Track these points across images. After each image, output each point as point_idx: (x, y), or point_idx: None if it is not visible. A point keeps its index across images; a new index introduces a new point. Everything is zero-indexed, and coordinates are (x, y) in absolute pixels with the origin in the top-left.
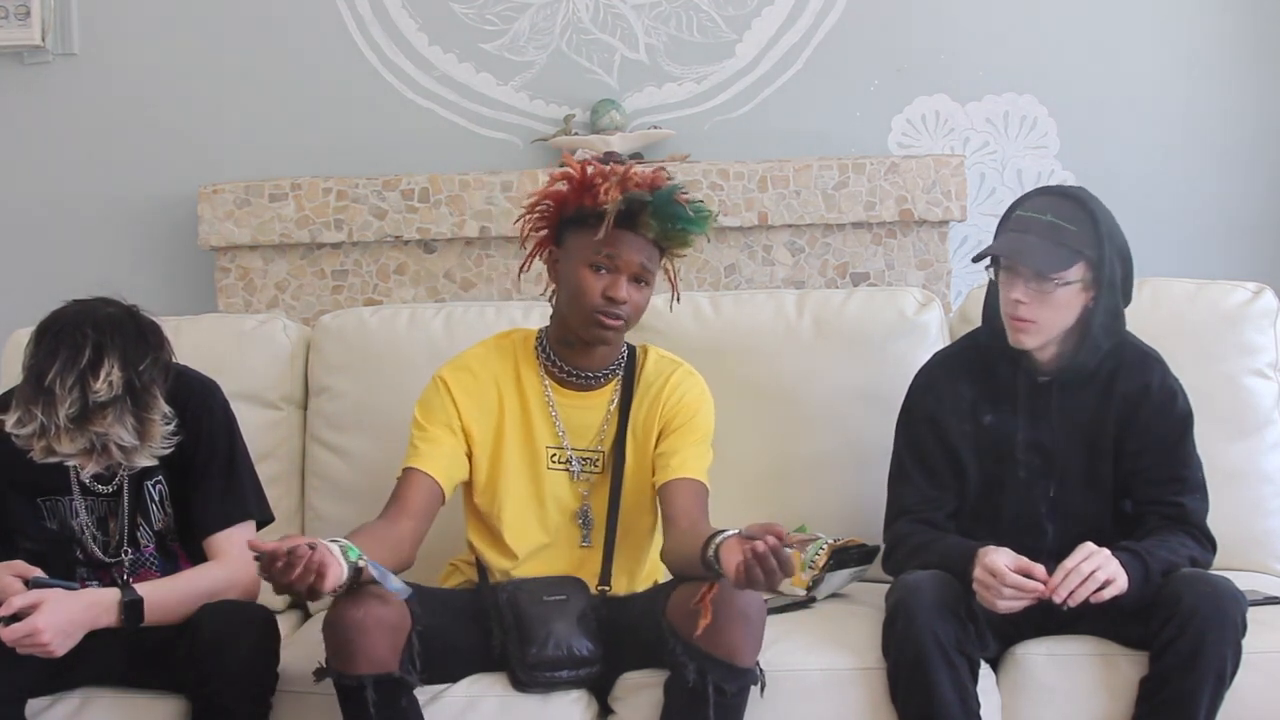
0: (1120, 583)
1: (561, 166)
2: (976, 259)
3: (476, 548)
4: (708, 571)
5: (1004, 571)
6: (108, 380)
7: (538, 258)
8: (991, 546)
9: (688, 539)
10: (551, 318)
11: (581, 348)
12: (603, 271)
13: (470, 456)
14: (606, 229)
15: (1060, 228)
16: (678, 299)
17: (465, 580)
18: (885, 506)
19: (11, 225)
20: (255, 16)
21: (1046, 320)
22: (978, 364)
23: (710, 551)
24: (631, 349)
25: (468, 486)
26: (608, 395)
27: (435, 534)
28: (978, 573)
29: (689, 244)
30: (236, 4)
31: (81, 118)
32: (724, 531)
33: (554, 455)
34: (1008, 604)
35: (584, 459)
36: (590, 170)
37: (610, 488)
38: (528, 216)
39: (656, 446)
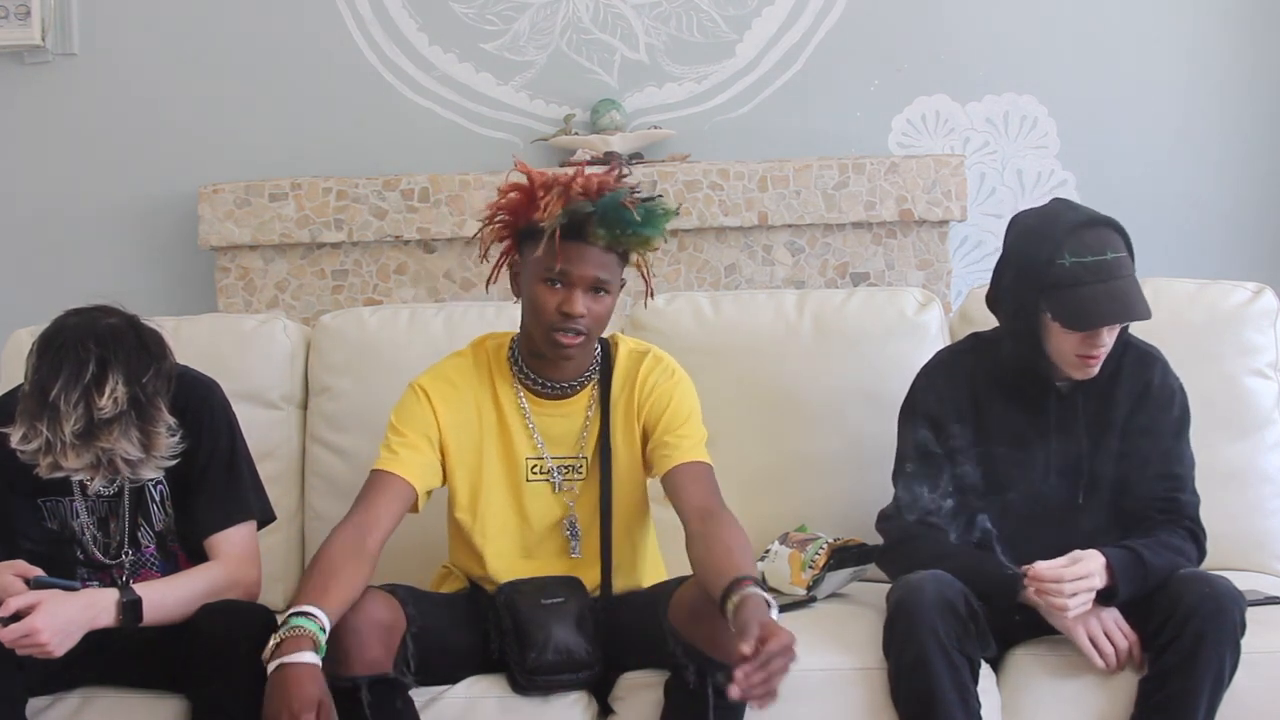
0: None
1: (564, 164)
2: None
3: (461, 565)
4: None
5: (1060, 572)
6: (112, 397)
7: (503, 268)
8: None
9: (702, 552)
10: (520, 328)
11: (551, 360)
12: (557, 286)
13: (446, 470)
14: (547, 246)
15: (1123, 260)
16: (651, 295)
17: (460, 586)
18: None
19: (12, 225)
20: (255, 16)
21: (1111, 344)
22: (991, 369)
23: (729, 610)
24: (605, 345)
25: (449, 502)
26: (585, 401)
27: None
28: (1033, 591)
29: (649, 246)
30: (237, 4)
31: (81, 118)
32: (740, 587)
33: (534, 466)
34: (1079, 601)
35: (566, 467)
36: (538, 180)
37: (600, 495)
38: (486, 229)
39: (647, 444)
